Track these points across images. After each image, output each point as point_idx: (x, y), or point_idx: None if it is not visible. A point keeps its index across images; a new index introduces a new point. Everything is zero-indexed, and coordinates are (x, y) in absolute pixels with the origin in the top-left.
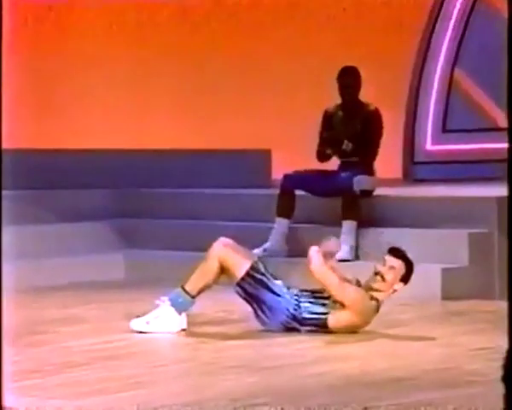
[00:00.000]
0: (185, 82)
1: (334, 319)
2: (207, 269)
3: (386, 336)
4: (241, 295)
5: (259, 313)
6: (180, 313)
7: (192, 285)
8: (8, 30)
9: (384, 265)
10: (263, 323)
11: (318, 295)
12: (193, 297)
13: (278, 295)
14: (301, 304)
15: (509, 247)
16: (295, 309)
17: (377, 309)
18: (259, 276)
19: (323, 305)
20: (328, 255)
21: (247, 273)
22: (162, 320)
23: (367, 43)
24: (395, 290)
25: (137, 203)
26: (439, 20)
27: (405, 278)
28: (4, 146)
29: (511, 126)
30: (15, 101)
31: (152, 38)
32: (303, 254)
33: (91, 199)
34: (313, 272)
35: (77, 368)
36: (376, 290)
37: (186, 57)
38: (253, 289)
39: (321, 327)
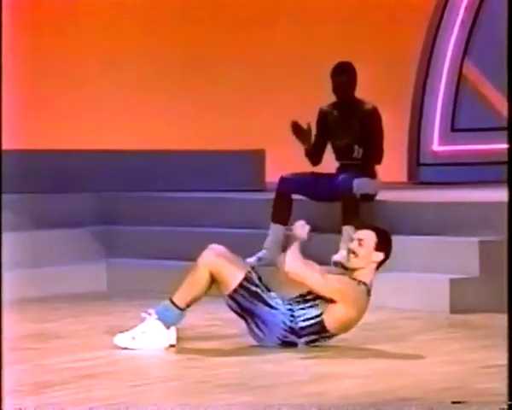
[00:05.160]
0: (173, 82)
1: (330, 317)
2: (197, 280)
3: (389, 351)
4: (233, 309)
5: (254, 327)
6: (168, 328)
7: (181, 297)
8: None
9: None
10: (257, 339)
11: (308, 297)
12: (182, 310)
13: (274, 309)
14: (295, 313)
15: (509, 254)
16: (291, 321)
17: (368, 292)
18: (254, 288)
19: (316, 306)
20: (294, 241)
21: (241, 285)
22: (149, 335)
23: (367, 35)
24: (378, 265)
25: (121, 208)
26: (446, 8)
27: (381, 247)
28: None
29: (511, 127)
30: None
31: (144, 37)
32: None
33: (71, 204)
34: (289, 273)
35: (53, 388)
36: (356, 270)
37: (176, 55)
38: (246, 302)
39: (319, 332)
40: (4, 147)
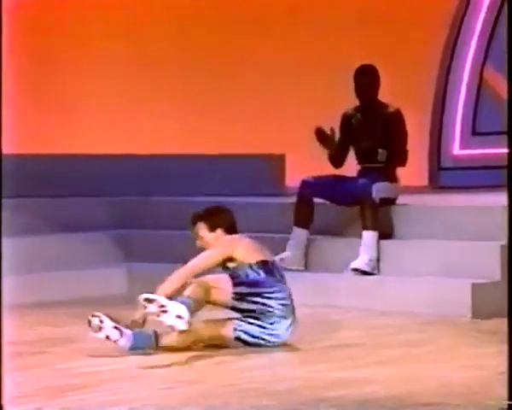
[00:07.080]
0: (192, 84)
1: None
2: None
3: (409, 356)
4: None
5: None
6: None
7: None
8: (8, 31)
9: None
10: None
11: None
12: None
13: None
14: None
15: (510, 256)
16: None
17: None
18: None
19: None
20: None
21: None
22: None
23: (389, 40)
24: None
25: (141, 213)
26: (467, 13)
27: (212, 225)
28: None
29: (511, 131)
30: (8, 104)
31: (156, 40)
32: (321, 268)
33: (91, 208)
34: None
35: (77, 392)
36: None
37: (194, 60)
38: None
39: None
40: (25, 151)
